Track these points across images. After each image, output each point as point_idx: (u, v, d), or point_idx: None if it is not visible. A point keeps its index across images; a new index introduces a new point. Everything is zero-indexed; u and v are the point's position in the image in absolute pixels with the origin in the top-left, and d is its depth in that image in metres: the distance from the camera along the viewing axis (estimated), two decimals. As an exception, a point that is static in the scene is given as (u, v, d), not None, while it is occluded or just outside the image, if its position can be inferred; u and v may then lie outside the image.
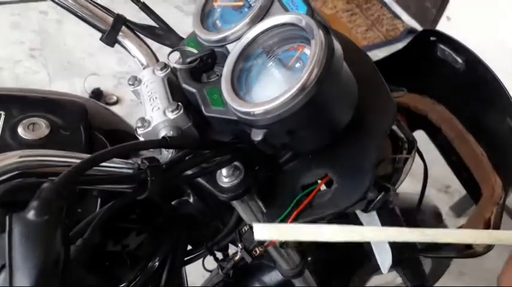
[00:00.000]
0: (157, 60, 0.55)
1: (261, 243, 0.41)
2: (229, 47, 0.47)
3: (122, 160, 0.37)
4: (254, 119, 0.41)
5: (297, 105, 0.39)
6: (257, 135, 0.41)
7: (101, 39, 0.54)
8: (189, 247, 0.69)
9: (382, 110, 0.48)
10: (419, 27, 2.24)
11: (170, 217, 0.59)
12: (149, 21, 0.56)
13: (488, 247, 0.58)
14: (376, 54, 2.13)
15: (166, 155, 0.43)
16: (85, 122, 0.53)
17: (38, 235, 0.25)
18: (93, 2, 0.54)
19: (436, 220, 0.89)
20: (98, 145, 0.55)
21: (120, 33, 0.54)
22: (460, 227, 0.67)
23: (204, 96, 0.46)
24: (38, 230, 0.25)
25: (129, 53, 0.55)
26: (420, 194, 0.61)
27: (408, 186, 0.71)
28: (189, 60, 0.47)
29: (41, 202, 0.26)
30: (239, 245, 0.42)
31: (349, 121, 0.46)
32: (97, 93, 1.86)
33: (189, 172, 0.42)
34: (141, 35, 0.56)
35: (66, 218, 0.27)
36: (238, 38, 0.46)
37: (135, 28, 0.55)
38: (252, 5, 0.47)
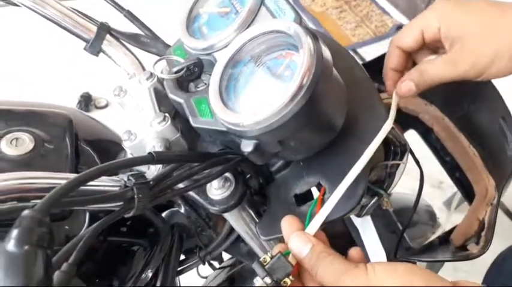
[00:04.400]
0: (143, 69, 0.53)
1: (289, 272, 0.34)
2: (216, 55, 0.46)
3: (107, 177, 0.36)
4: (243, 130, 0.39)
5: (287, 116, 0.38)
6: (247, 146, 0.40)
7: (84, 48, 0.53)
8: (183, 257, 0.69)
9: (372, 114, 0.47)
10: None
11: (162, 228, 0.57)
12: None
13: (483, 249, 0.58)
14: (366, 51, 2.12)
15: (154, 169, 0.42)
16: (70, 134, 0.51)
17: (17, 266, 0.24)
18: (76, 10, 0.53)
19: (430, 220, 0.89)
20: (85, 156, 0.53)
21: (104, 42, 0.53)
22: (454, 228, 0.67)
23: (192, 107, 0.45)
24: (17, 261, 0.24)
25: (115, 62, 0.53)
26: (416, 198, 0.60)
27: (404, 184, 0.70)
28: (175, 69, 0.46)
29: (21, 231, 0.25)
30: (265, 280, 0.33)
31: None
32: (86, 98, 1.84)
33: (179, 186, 0.41)
34: (127, 44, 0.54)
35: (48, 246, 0.26)
36: (226, 46, 0.44)
37: (120, 36, 0.54)
38: (239, 11, 0.46)
